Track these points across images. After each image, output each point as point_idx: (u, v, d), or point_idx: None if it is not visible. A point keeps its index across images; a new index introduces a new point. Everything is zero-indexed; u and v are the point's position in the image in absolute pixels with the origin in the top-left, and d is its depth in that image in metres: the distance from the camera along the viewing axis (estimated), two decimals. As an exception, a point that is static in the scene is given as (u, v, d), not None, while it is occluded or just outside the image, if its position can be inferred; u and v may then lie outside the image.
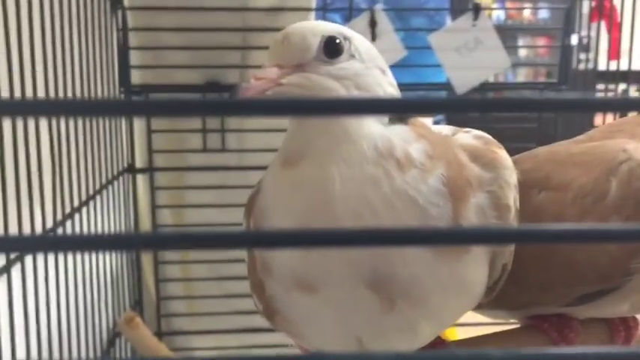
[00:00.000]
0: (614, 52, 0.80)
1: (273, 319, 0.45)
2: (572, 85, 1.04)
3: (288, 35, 0.40)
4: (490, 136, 0.46)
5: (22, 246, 0.19)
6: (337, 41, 0.40)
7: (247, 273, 0.46)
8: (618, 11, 0.89)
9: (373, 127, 0.39)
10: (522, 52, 3.18)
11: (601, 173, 0.49)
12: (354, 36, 0.41)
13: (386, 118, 0.40)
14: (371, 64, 0.41)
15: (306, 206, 0.39)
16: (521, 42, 3.06)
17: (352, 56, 0.40)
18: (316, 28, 0.40)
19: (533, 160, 0.54)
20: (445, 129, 0.46)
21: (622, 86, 0.96)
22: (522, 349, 0.16)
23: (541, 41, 3.06)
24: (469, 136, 0.45)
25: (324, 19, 1.03)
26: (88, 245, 0.20)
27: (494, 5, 3.46)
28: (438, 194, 0.39)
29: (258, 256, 0.44)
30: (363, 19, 0.96)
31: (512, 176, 0.44)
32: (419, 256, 0.40)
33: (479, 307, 0.55)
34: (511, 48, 2.80)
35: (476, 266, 0.42)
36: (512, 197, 0.43)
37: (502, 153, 0.44)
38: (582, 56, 1.09)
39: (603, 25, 0.88)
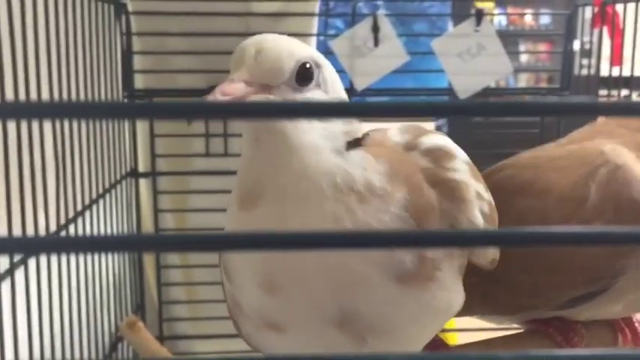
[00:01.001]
0: (616, 58, 0.80)
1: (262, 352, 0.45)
2: (574, 90, 1.04)
3: (264, 51, 0.38)
4: (443, 140, 0.43)
5: (25, 247, 0.19)
6: (309, 67, 0.38)
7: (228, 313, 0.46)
8: (620, 17, 0.89)
9: (331, 161, 0.38)
10: (524, 58, 3.19)
11: (580, 177, 0.49)
12: (325, 64, 0.40)
13: (343, 144, 0.39)
14: (334, 96, 0.40)
15: (274, 254, 0.37)
16: (522, 47, 3.07)
17: (318, 85, 0.39)
18: (293, 50, 0.38)
19: (515, 166, 0.54)
20: (399, 133, 0.44)
21: (624, 92, 0.96)
22: (532, 351, 0.16)
23: (542, 47, 3.07)
24: (419, 154, 0.43)
25: (327, 24, 1.03)
26: (92, 246, 0.20)
27: (496, 11, 3.46)
28: (401, 221, 0.38)
29: (229, 296, 0.43)
30: (365, 25, 0.96)
31: (472, 202, 0.42)
32: (383, 290, 0.39)
33: (477, 314, 0.55)
34: (513, 54, 2.81)
35: (443, 292, 0.41)
36: (477, 216, 0.42)
37: (458, 176, 0.42)
38: (584, 62, 1.10)
39: (605, 30, 0.88)
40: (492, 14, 3.35)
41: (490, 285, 0.48)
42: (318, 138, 0.38)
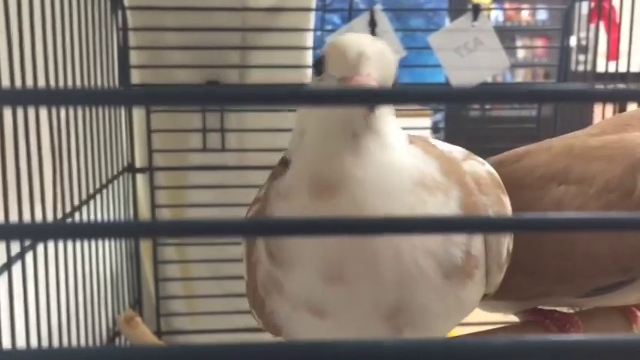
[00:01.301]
0: (612, 54, 0.81)
1: (279, 334, 0.45)
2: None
3: (384, 53, 0.38)
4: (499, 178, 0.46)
5: (21, 233, 0.19)
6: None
7: (246, 291, 0.46)
8: (617, 12, 0.89)
9: (405, 155, 0.39)
10: (520, 53, 3.19)
11: (626, 168, 0.49)
12: None
13: (406, 137, 0.40)
14: None
15: (342, 243, 0.38)
16: (519, 43, 3.06)
17: None
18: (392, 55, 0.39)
19: (548, 152, 0.54)
20: (454, 150, 0.46)
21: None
22: (530, 337, 0.16)
23: (539, 42, 3.07)
24: (478, 164, 0.45)
25: (324, 19, 1.03)
26: (90, 233, 0.20)
27: (493, 6, 3.46)
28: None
29: (265, 274, 0.43)
30: (362, 20, 0.96)
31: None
32: (434, 285, 0.40)
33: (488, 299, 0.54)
34: (509, 49, 2.80)
35: (476, 289, 0.43)
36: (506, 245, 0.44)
37: (506, 200, 0.44)
38: (581, 57, 1.10)
39: (602, 26, 0.88)
40: (489, 9, 3.36)
41: (511, 270, 0.48)
42: (397, 133, 0.40)
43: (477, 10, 0.96)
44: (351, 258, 0.38)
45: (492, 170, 0.45)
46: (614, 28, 0.83)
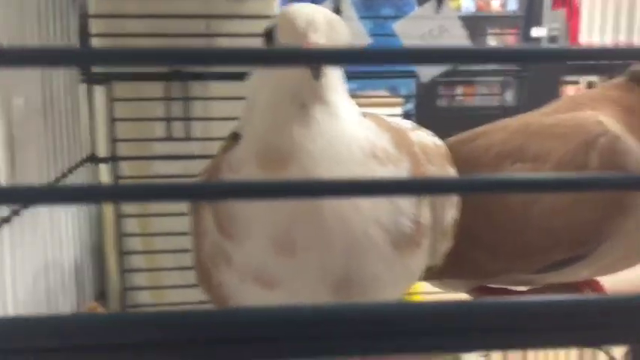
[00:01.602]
0: (573, 39, 0.81)
1: (227, 305, 0.45)
2: (540, 74, 1.05)
3: (334, 22, 0.39)
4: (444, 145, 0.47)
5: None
6: None
7: (194, 265, 0.46)
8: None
9: (356, 127, 0.39)
10: (493, 42, 3.21)
11: (579, 145, 0.49)
12: None
13: (358, 111, 0.40)
14: None
15: (292, 213, 0.38)
16: (490, 32, 3.09)
17: None
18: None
19: (504, 130, 0.54)
20: (403, 122, 0.46)
21: (590, 78, 0.98)
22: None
23: (510, 32, 3.09)
24: (425, 135, 0.46)
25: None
26: (48, 196, 0.19)
27: (464, -4, 3.49)
28: None
29: (213, 245, 0.42)
30: (327, 6, 0.95)
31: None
32: (383, 254, 0.40)
33: (445, 277, 0.55)
34: (480, 37, 2.81)
35: (424, 258, 0.43)
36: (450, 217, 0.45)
37: (452, 171, 0.45)
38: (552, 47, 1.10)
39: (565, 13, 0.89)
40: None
41: (469, 247, 0.48)
42: (348, 104, 0.40)
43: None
44: (300, 228, 0.38)
45: (439, 142, 0.46)
46: (575, 15, 0.84)
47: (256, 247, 0.39)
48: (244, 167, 0.39)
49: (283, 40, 0.38)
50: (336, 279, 0.39)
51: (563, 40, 1.23)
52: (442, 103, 3.97)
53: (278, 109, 0.38)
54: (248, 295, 0.42)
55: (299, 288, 0.40)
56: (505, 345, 0.17)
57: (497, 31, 3.20)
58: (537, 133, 0.51)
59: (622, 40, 0.85)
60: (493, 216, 0.47)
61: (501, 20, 3.35)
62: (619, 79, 0.55)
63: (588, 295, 0.17)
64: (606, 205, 0.47)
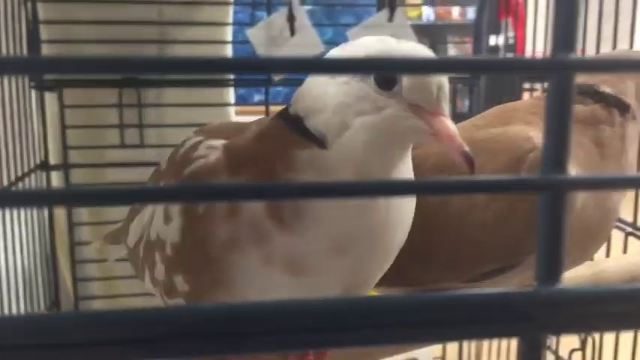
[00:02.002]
0: (519, 48, 0.84)
1: (216, 290, 0.44)
2: (497, 83, 1.07)
3: (444, 88, 0.40)
4: None
5: None
6: None
7: (171, 253, 0.44)
8: (527, 8, 0.93)
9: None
10: (452, 51, 3.27)
11: (509, 161, 0.51)
12: None
13: None
14: None
15: (353, 217, 0.41)
16: (450, 41, 3.15)
17: None
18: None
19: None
20: None
21: (546, 85, 1.00)
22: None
23: (469, 40, 3.16)
24: None
25: (254, 15, 1.03)
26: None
27: (424, 7, 3.54)
28: None
29: (227, 229, 0.42)
30: (281, 14, 0.96)
31: None
32: (391, 260, 0.44)
33: (393, 286, 0.56)
34: (441, 45, 2.85)
35: None
36: None
37: None
38: (509, 56, 1.13)
39: (510, 22, 0.92)
40: (417, 5, 3.41)
41: (405, 258, 0.49)
42: None
43: (393, 5, 0.98)
44: (357, 232, 0.41)
45: None
46: (520, 24, 0.87)
47: (313, 239, 0.41)
48: (337, 174, 0.41)
49: (409, 95, 0.39)
50: (357, 281, 0.43)
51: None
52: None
53: (385, 140, 0.40)
54: (264, 278, 0.43)
55: (322, 282, 0.42)
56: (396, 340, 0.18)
57: (457, 39, 3.26)
58: (470, 147, 0.53)
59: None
60: (428, 229, 0.48)
61: (461, 29, 3.41)
62: None
63: (483, 290, 0.18)
64: (533, 218, 0.48)
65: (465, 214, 0.51)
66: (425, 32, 3.62)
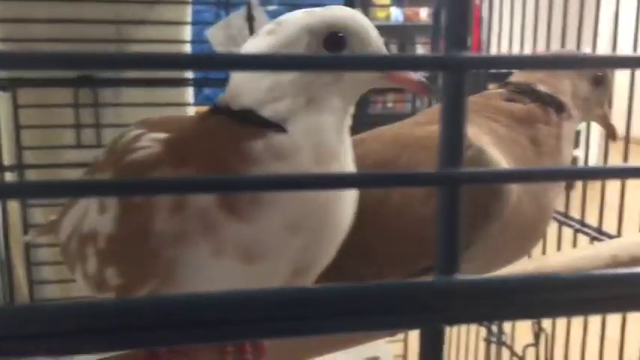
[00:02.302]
0: (475, 48, 0.85)
1: (154, 280, 0.43)
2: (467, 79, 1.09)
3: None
4: None
5: None
6: None
7: (124, 237, 0.43)
8: (482, 8, 0.94)
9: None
10: (420, 51, 3.30)
11: None
12: None
13: None
14: None
15: (307, 200, 0.42)
16: (418, 42, 3.18)
17: None
18: None
19: (378, 140, 0.56)
20: None
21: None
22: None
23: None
24: None
25: (194, 12, 1.02)
26: None
27: (392, 8, 3.57)
28: None
29: (168, 221, 0.42)
30: (240, 14, 0.96)
31: None
32: (339, 244, 0.45)
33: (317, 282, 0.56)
34: (410, 46, 2.87)
35: None
36: None
37: None
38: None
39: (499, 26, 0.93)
40: (385, 5, 3.44)
41: (345, 254, 0.49)
42: None
43: (351, 6, 0.98)
44: (310, 213, 0.42)
45: None
46: (477, 25, 0.88)
47: (268, 223, 0.42)
48: (296, 157, 0.42)
49: (358, 48, 0.42)
50: (308, 262, 0.44)
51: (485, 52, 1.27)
52: (374, 110, 4.04)
53: (341, 114, 0.43)
54: (215, 270, 0.43)
55: (275, 266, 0.43)
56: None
57: (426, 40, 3.29)
58: (409, 145, 0.53)
59: (528, 49, 0.90)
60: (368, 226, 0.49)
61: (429, 30, 3.45)
62: (505, 89, 0.58)
63: (382, 282, 0.19)
64: (472, 214, 0.49)
65: (404, 210, 0.52)
66: (393, 33, 3.65)
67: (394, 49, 3.17)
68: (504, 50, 0.98)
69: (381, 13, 3.46)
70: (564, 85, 0.55)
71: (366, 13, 1.94)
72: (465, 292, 0.19)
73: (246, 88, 0.43)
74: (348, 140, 0.45)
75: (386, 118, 1.98)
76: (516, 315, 0.19)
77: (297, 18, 0.43)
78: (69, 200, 0.53)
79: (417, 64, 0.21)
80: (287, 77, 0.42)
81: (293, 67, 0.24)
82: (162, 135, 0.45)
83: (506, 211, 0.49)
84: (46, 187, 0.19)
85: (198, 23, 1.06)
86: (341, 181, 0.24)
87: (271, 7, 1.11)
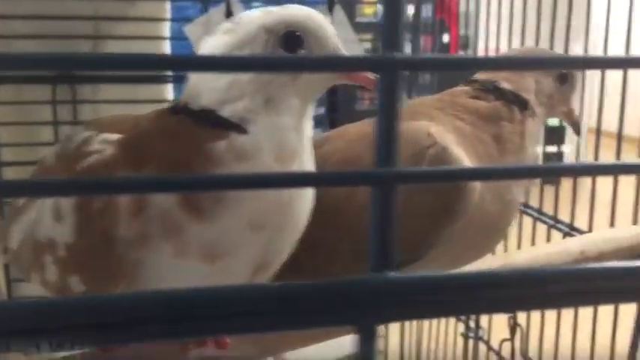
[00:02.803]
0: (453, 48, 0.85)
1: (121, 282, 0.43)
2: (449, 76, 1.09)
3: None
4: None
5: None
6: None
7: (85, 245, 0.43)
8: (459, 6, 0.95)
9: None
10: (407, 48, 3.30)
11: (410, 157, 0.52)
12: None
13: None
14: None
15: (270, 199, 0.42)
16: (406, 39, 3.18)
17: None
18: None
19: (343, 138, 0.56)
20: None
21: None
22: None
23: (425, 39, 3.19)
24: None
25: (178, 9, 1.02)
26: None
27: (377, 2, 3.56)
28: None
29: (130, 225, 0.41)
30: (219, 10, 0.96)
31: None
32: (298, 232, 0.45)
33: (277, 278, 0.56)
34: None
35: None
36: None
37: None
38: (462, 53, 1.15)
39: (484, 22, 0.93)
40: (371, 2, 3.44)
41: (308, 252, 0.49)
42: None
43: (332, 2, 0.98)
44: (272, 207, 0.43)
45: None
46: (454, 23, 0.88)
47: (231, 222, 0.42)
48: (258, 157, 0.42)
49: (315, 47, 0.43)
50: (269, 257, 0.44)
51: (472, 50, 1.27)
52: (361, 106, 4.03)
53: (299, 114, 0.44)
54: (178, 270, 0.42)
55: (237, 264, 0.43)
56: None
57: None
58: (372, 143, 0.53)
59: (516, 44, 0.90)
60: (331, 222, 0.49)
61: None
62: (471, 86, 0.58)
63: (318, 280, 0.19)
64: (436, 213, 0.49)
65: (368, 207, 0.52)
66: (380, 29, 3.62)
67: (380, 46, 3.14)
68: (492, 47, 0.98)
69: (368, 10, 3.46)
70: (528, 83, 0.55)
71: (353, 9, 1.94)
72: (398, 290, 0.19)
73: (204, 87, 0.42)
74: (308, 139, 0.45)
75: (372, 115, 2.01)
76: (449, 311, 0.20)
77: (255, 17, 0.43)
78: (17, 206, 0.51)
79: (354, 64, 0.21)
80: (245, 77, 0.42)
81: (246, 68, 0.24)
82: (114, 136, 0.44)
83: (470, 209, 0.49)
84: (20, 186, 0.19)
85: (182, 20, 1.06)
86: (298, 180, 0.24)
87: (256, 4, 1.11)
